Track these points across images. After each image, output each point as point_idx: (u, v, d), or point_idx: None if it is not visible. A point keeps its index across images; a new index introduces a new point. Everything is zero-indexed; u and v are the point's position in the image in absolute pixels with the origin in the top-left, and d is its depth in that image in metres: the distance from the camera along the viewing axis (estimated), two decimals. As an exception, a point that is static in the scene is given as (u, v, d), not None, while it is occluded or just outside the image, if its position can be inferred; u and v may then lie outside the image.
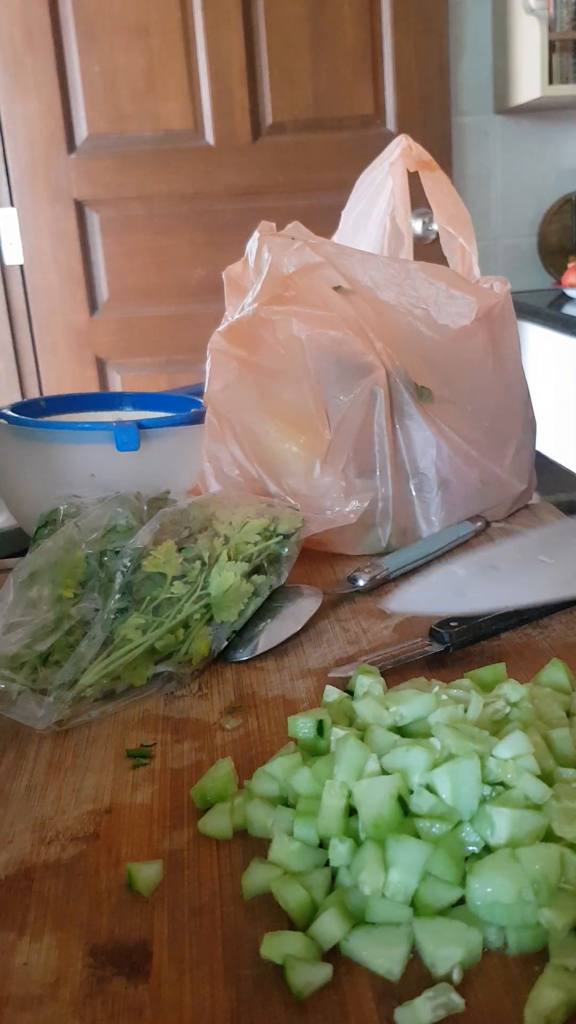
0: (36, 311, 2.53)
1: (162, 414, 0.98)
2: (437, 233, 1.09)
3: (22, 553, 0.88)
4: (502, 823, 0.43)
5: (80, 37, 2.36)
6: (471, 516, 0.90)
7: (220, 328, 0.89)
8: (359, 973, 0.40)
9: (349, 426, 0.86)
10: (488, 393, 0.91)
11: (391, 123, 2.49)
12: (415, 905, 0.42)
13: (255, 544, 0.73)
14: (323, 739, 0.52)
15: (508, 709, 0.52)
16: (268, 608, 0.73)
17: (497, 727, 0.51)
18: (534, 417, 0.98)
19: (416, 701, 0.51)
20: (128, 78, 2.39)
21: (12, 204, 2.48)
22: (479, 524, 0.89)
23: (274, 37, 2.41)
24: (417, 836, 0.44)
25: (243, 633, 0.71)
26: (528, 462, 0.96)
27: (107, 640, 0.64)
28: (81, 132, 2.43)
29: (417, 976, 0.40)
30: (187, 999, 0.40)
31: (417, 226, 2.33)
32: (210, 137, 2.45)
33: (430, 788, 0.45)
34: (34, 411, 0.96)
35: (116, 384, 2.58)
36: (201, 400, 0.93)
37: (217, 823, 0.49)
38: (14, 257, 2.52)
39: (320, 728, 0.52)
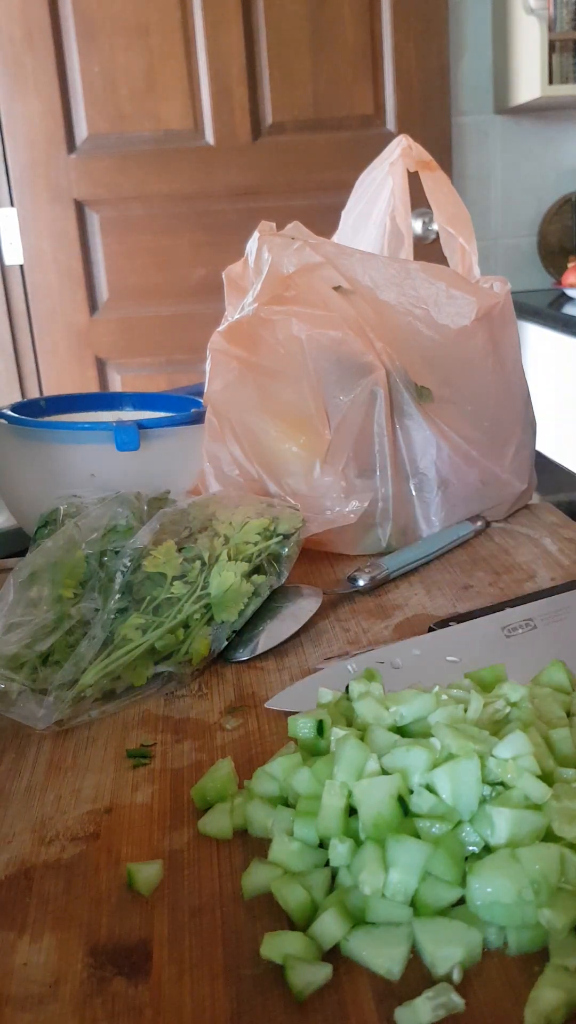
0: (36, 311, 2.53)
1: (162, 414, 0.97)
2: (437, 233, 1.09)
3: (22, 553, 0.88)
4: (502, 823, 0.43)
5: (80, 37, 2.36)
6: (471, 516, 0.90)
7: (220, 328, 0.89)
8: (359, 973, 0.40)
9: (349, 426, 0.86)
10: (488, 393, 0.91)
11: (391, 123, 2.49)
12: (415, 905, 0.42)
13: (255, 544, 0.73)
14: (323, 739, 0.52)
15: (508, 709, 0.52)
16: (268, 608, 0.73)
17: (497, 727, 0.51)
18: (534, 417, 0.98)
19: (416, 701, 0.51)
20: (128, 78, 2.39)
21: (12, 204, 2.48)
22: (479, 524, 0.90)
23: (274, 37, 2.41)
24: (417, 836, 0.44)
25: (243, 633, 0.71)
26: (528, 462, 0.96)
27: (107, 640, 0.64)
28: (81, 132, 2.43)
29: (417, 976, 0.40)
30: (187, 999, 0.40)
31: (417, 226, 2.33)
32: (210, 137, 2.45)
33: (430, 788, 0.45)
34: (34, 411, 0.96)
35: (116, 384, 2.58)
36: (201, 400, 0.93)
37: (217, 823, 0.49)
38: (14, 257, 2.52)
39: (320, 728, 0.52)
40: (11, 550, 0.96)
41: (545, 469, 1.10)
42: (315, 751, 0.52)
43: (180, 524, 0.72)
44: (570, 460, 1.22)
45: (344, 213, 1.02)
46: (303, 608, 0.74)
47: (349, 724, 0.53)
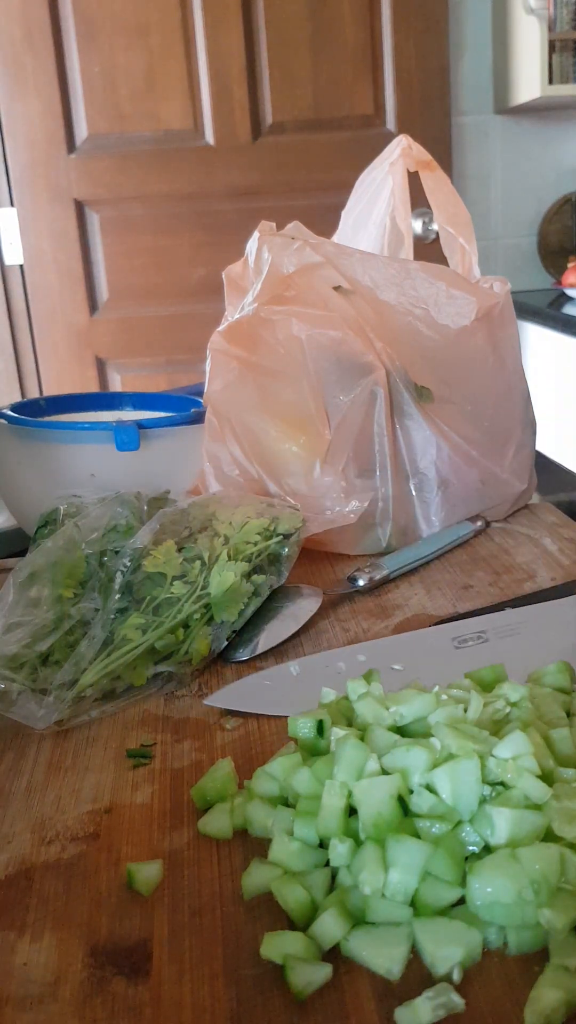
0: (36, 311, 2.53)
1: (162, 414, 0.97)
2: (437, 233, 1.09)
3: (22, 553, 0.88)
4: (502, 823, 0.43)
5: (80, 37, 2.36)
6: (471, 516, 0.90)
7: (220, 328, 0.89)
8: (359, 973, 0.40)
9: (349, 426, 0.86)
10: (488, 393, 0.91)
11: (391, 123, 2.49)
12: (415, 905, 0.42)
13: (255, 544, 0.73)
14: (323, 739, 0.52)
15: (508, 709, 0.52)
16: (268, 608, 0.73)
17: (497, 727, 0.51)
18: (534, 417, 0.98)
19: (416, 701, 0.51)
20: (128, 78, 2.39)
21: (12, 204, 2.48)
22: (479, 524, 0.90)
23: (274, 37, 2.41)
24: (417, 836, 0.44)
25: (243, 633, 0.71)
26: (528, 462, 0.96)
27: (107, 640, 0.64)
28: (81, 132, 2.43)
29: (417, 976, 0.40)
30: (187, 999, 0.40)
31: (417, 226, 2.33)
32: (210, 137, 2.45)
33: (430, 788, 0.45)
34: (34, 411, 0.96)
35: (116, 384, 2.58)
36: (201, 400, 0.93)
37: (217, 823, 0.49)
38: (14, 257, 2.52)
39: (320, 728, 0.52)
40: (11, 550, 0.96)
41: (545, 469, 1.10)
42: (315, 751, 0.52)
43: (180, 524, 0.72)
44: (570, 460, 1.22)
45: (344, 213, 1.02)
46: (303, 608, 0.74)
47: (349, 724, 0.53)
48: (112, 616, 0.65)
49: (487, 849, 0.43)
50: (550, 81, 2.43)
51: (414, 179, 0.97)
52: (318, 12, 2.41)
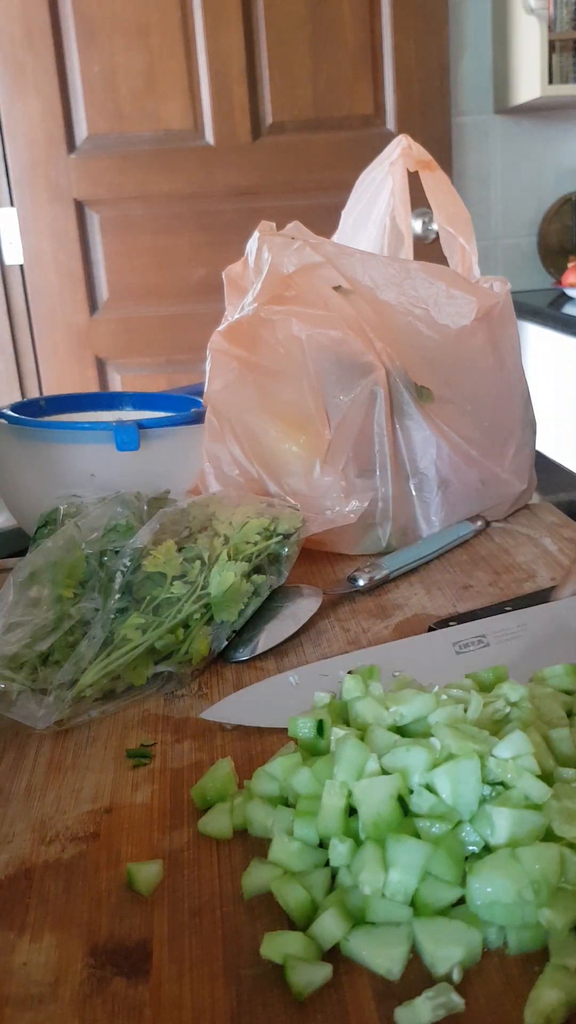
0: (36, 311, 2.53)
1: (162, 414, 0.97)
2: (437, 233, 1.09)
3: (22, 553, 0.88)
4: (502, 823, 0.43)
5: (80, 37, 2.36)
6: (471, 516, 0.90)
7: (220, 328, 0.89)
8: (359, 973, 0.40)
9: (349, 426, 0.86)
10: (488, 393, 0.91)
11: (391, 123, 2.49)
12: (415, 905, 0.42)
13: (255, 544, 0.73)
14: (323, 739, 0.52)
15: (508, 709, 0.52)
16: (268, 608, 0.73)
17: (497, 727, 0.51)
18: (534, 417, 0.98)
19: (416, 701, 0.51)
20: (128, 78, 2.39)
21: (12, 204, 2.48)
22: (479, 524, 0.89)
23: (274, 37, 2.41)
24: (417, 836, 0.44)
25: (243, 633, 0.71)
26: (528, 462, 0.96)
27: (107, 640, 0.64)
28: (81, 132, 2.43)
29: (417, 976, 0.40)
30: (187, 999, 0.40)
31: (417, 226, 2.33)
32: (210, 137, 2.45)
33: (430, 788, 0.45)
34: (34, 411, 0.96)
35: (116, 384, 2.58)
36: (201, 400, 0.93)
37: (217, 823, 0.49)
38: (14, 257, 2.52)
39: (320, 728, 0.52)
40: (11, 550, 0.96)
41: (545, 469, 1.10)
42: (315, 751, 0.52)
43: (180, 524, 0.72)
44: (570, 460, 1.22)
45: (344, 213, 1.02)
46: (303, 608, 0.74)
47: (346, 724, 0.53)
48: (112, 616, 0.65)
49: (487, 849, 0.43)
50: (550, 81, 2.43)
51: (414, 179, 0.97)
52: (318, 12, 2.41)
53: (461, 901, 0.42)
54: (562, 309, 2.48)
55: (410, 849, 0.42)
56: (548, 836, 0.43)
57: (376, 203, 0.98)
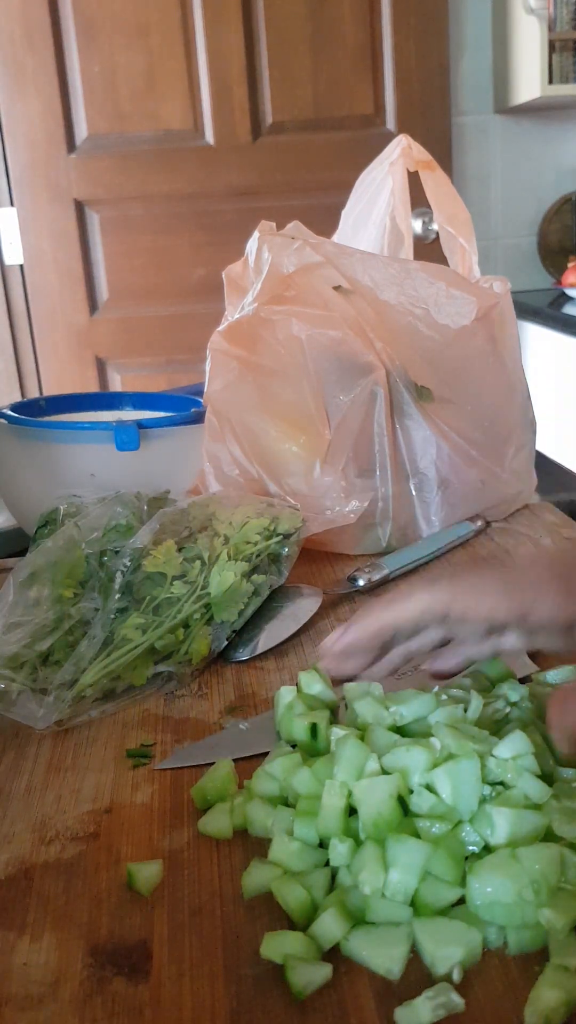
0: (36, 311, 2.53)
1: (162, 414, 0.97)
2: (437, 233, 1.09)
3: (22, 553, 0.88)
4: (502, 823, 0.43)
5: (80, 37, 2.36)
6: (471, 516, 0.90)
7: (220, 328, 0.89)
8: (359, 973, 0.40)
9: (349, 426, 0.86)
10: (488, 393, 0.91)
11: (391, 123, 2.49)
12: (415, 905, 0.42)
13: (255, 544, 0.73)
14: (318, 742, 0.52)
15: (508, 709, 0.52)
16: (268, 608, 0.73)
17: (497, 727, 0.51)
18: (534, 417, 0.98)
19: (416, 701, 0.51)
20: (128, 78, 2.39)
21: (12, 204, 2.47)
22: (479, 524, 0.89)
23: (274, 37, 2.41)
24: (417, 836, 0.44)
25: (243, 633, 0.71)
26: (528, 462, 0.96)
27: (107, 640, 0.64)
28: (81, 132, 2.43)
29: (417, 976, 0.40)
30: (187, 999, 0.40)
31: (417, 226, 2.33)
32: (210, 137, 2.45)
33: (430, 788, 0.45)
34: (34, 411, 0.96)
35: (116, 384, 2.58)
36: (201, 400, 0.93)
37: (217, 823, 0.49)
38: (14, 257, 2.52)
39: (314, 731, 0.52)
40: (11, 550, 0.96)
41: (545, 469, 1.10)
42: (313, 752, 0.52)
43: (180, 524, 0.72)
44: (570, 460, 1.22)
45: (344, 213, 1.02)
46: (303, 608, 0.74)
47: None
48: (112, 616, 0.64)
49: (487, 849, 0.43)
50: (550, 81, 2.43)
51: (414, 179, 0.97)
52: (318, 12, 2.40)
53: (461, 901, 0.42)
54: (562, 309, 2.48)
55: (410, 849, 0.42)
56: (548, 836, 0.43)
57: (376, 203, 0.98)
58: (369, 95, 2.47)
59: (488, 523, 0.91)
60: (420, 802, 0.45)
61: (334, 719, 0.55)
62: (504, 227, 2.82)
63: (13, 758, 0.59)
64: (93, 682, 0.62)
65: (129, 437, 0.85)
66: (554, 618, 0.52)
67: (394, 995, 0.39)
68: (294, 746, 0.53)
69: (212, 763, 0.53)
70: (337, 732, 0.51)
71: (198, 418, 0.91)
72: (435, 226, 2.17)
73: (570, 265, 2.68)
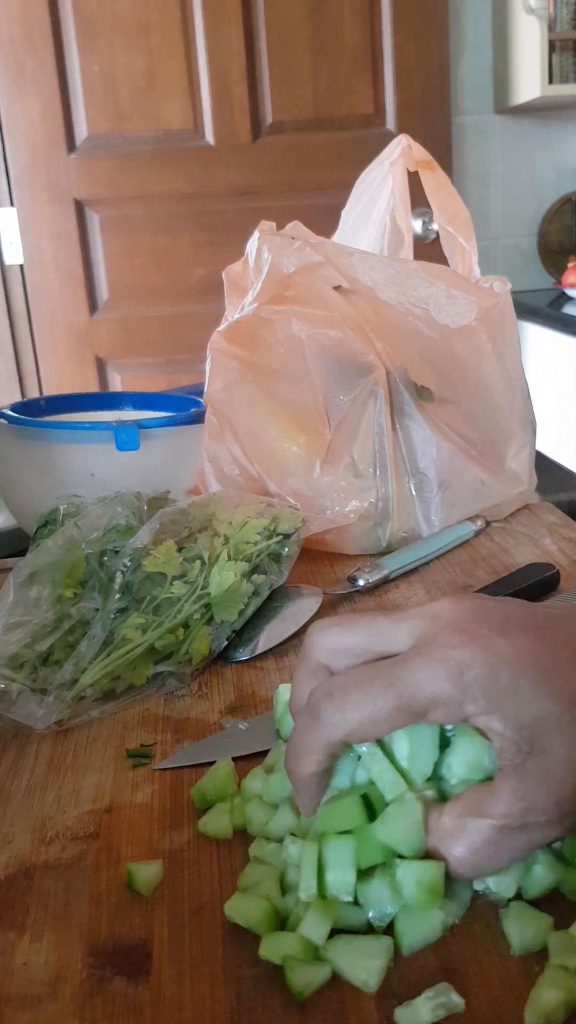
0: (36, 311, 2.54)
1: (162, 414, 0.97)
2: (437, 233, 1.09)
3: (22, 553, 0.88)
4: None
5: (80, 37, 2.36)
6: (471, 516, 0.90)
7: (220, 328, 0.89)
8: (359, 973, 0.40)
9: (349, 426, 0.86)
10: (488, 393, 0.91)
11: (391, 123, 2.49)
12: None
13: (255, 544, 0.73)
14: None
15: None
16: (268, 608, 0.73)
17: None
18: (534, 417, 0.98)
19: None
20: (128, 78, 2.39)
21: (12, 204, 2.48)
22: (479, 524, 0.89)
23: (274, 37, 2.41)
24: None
25: (243, 633, 0.71)
26: (528, 462, 0.96)
27: (107, 640, 0.64)
28: (81, 132, 2.43)
29: (417, 976, 0.40)
30: (187, 999, 0.40)
31: (417, 226, 2.33)
32: (210, 137, 2.45)
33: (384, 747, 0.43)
34: (34, 411, 0.96)
35: (116, 384, 2.58)
36: (201, 400, 0.93)
37: (217, 823, 0.49)
38: (14, 257, 2.52)
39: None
40: (11, 550, 0.96)
41: (545, 469, 1.10)
42: None
43: (180, 524, 0.72)
44: (570, 460, 1.22)
45: (344, 213, 1.02)
46: (303, 608, 0.74)
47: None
48: (112, 616, 0.65)
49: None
50: (550, 81, 2.43)
51: (414, 179, 0.97)
52: (318, 12, 2.41)
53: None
54: (562, 309, 2.48)
55: (338, 847, 0.42)
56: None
57: (376, 203, 0.98)
58: (369, 95, 2.47)
59: (488, 523, 0.91)
60: (370, 763, 0.42)
61: None
62: (504, 227, 2.82)
63: (13, 758, 0.59)
64: (93, 682, 0.62)
65: (129, 437, 0.85)
66: None
67: (394, 995, 0.39)
68: None
69: (212, 763, 0.53)
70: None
71: (198, 418, 0.91)
72: (435, 226, 2.17)
73: (570, 265, 2.68)
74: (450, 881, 0.42)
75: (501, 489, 0.92)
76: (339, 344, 0.85)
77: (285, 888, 0.44)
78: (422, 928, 0.41)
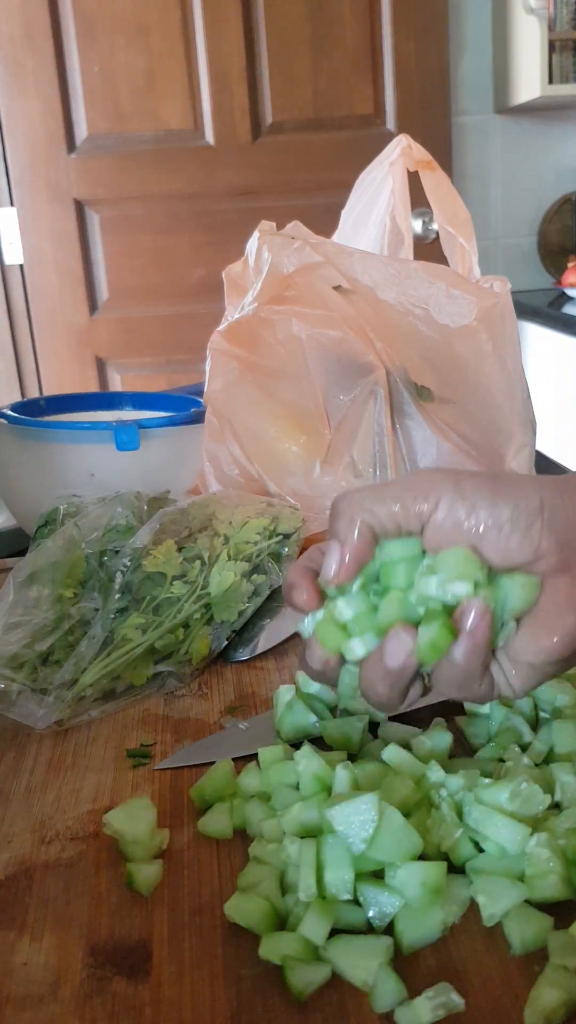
0: (36, 311, 2.53)
1: (162, 414, 0.97)
2: (437, 233, 1.09)
3: (22, 553, 0.88)
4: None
5: (80, 37, 2.36)
6: (471, 516, 0.89)
7: (220, 328, 0.89)
8: (359, 973, 0.40)
9: (349, 426, 0.86)
10: (488, 393, 0.91)
11: (391, 123, 2.49)
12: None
13: (255, 544, 0.73)
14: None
15: None
16: (268, 608, 0.73)
17: None
18: (534, 417, 0.98)
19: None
20: (128, 78, 2.39)
21: (12, 204, 2.48)
22: (479, 524, 0.89)
23: (274, 37, 2.41)
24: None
25: (243, 633, 0.71)
26: (528, 462, 0.96)
27: (107, 640, 0.64)
28: (81, 132, 2.43)
29: (417, 976, 0.40)
30: (187, 999, 0.40)
31: (417, 226, 2.33)
32: (210, 137, 2.45)
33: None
34: (34, 411, 0.96)
35: (116, 384, 2.58)
36: (201, 400, 0.93)
37: (217, 823, 0.49)
38: (14, 257, 2.52)
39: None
40: (11, 550, 0.96)
41: (545, 469, 1.10)
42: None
43: (180, 524, 0.72)
44: (570, 460, 1.22)
45: (344, 213, 1.02)
46: (303, 608, 0.74)
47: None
48: (112, 616, 0.64)
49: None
50: (550, 81, 2.43)
51: (414, 179, 0.97)
52: (318, 12, 2.40)
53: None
54: (562, 309, 2.48)
55: (335, 846, 0.42)
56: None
57: (376, 203, 0.98)
58: (369, 95, 2.47)
59: (488, 523, 0.91)
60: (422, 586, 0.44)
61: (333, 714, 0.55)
62: (504, 227, 2.82)
63: (13, 758, 0.59)
64: (93, 682, 0.62)
65: (129, 437, 0.85)
66: None
67: (394, 995, 0.39)
68: (295, 746, 0.53)
69: (212, 763, 0.53)
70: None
71: (198, 418, 0.91)
72: (435, 226, 2.17)
73: (570, 265, 2.68)
74: (450, 881, 0.42)
75: (501, 489, 0.92)
76: (339, 344, 0.85)
77: (285, 888, 0.44)
78: (422, 928, 0.41)
